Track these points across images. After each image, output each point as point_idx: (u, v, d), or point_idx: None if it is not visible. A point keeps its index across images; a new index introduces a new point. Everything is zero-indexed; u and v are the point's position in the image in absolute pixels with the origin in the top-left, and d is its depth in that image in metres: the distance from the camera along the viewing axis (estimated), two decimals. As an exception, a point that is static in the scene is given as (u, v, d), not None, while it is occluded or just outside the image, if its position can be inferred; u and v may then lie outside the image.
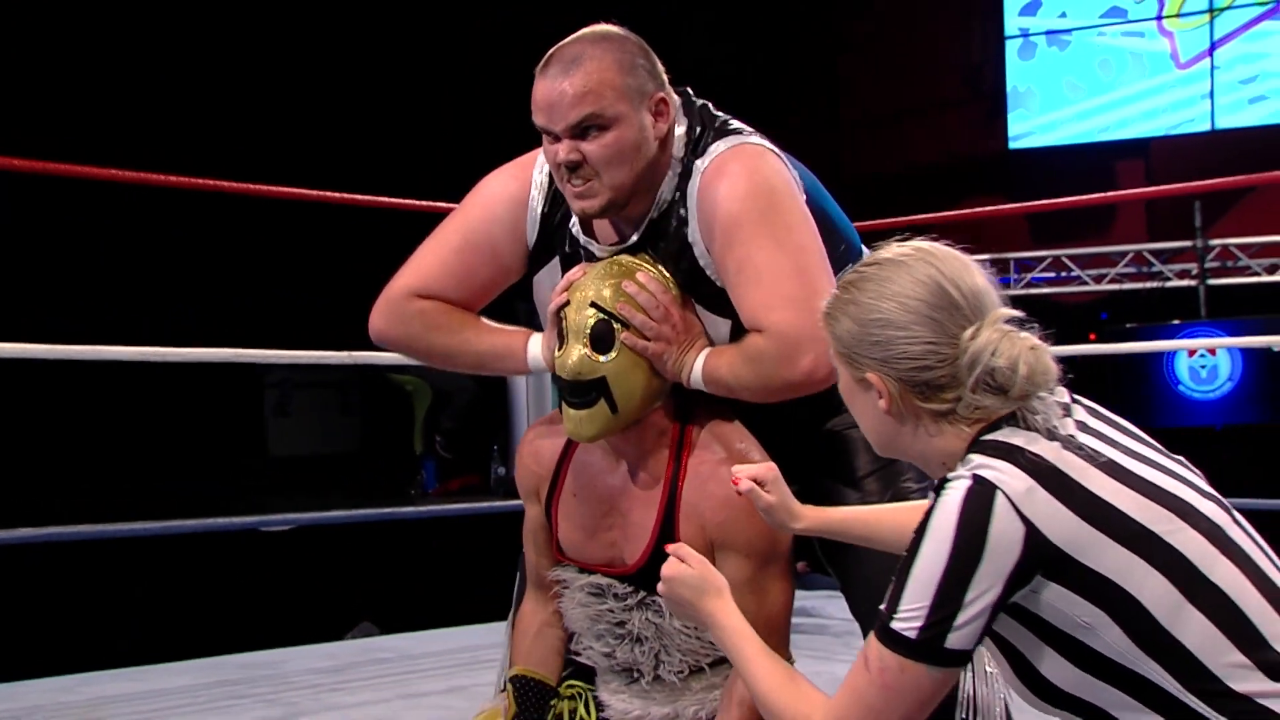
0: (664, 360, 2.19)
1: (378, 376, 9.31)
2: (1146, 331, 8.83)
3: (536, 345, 2.30)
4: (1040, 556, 1.47)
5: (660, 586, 1.90)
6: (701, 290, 2.23)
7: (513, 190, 2.34)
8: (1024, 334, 1.57)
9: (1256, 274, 9.13)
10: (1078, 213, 9.38)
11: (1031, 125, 10.11)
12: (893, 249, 1.65)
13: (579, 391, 2.18)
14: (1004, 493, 1.47)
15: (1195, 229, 9.03)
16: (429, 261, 2.37)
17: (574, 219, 2.28)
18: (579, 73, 2.12)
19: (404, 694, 3.81)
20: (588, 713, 2.39)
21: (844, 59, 10.97)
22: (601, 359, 2.18)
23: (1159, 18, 9.89)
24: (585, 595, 2.40)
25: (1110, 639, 1.49)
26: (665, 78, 2.22)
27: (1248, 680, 1.47)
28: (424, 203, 4.74)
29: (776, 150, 2.26)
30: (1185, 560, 1.48)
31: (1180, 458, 1.64)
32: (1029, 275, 9.72)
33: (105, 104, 8.37)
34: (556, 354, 2.21)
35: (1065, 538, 1.47)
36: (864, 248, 2.50)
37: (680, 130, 2.24)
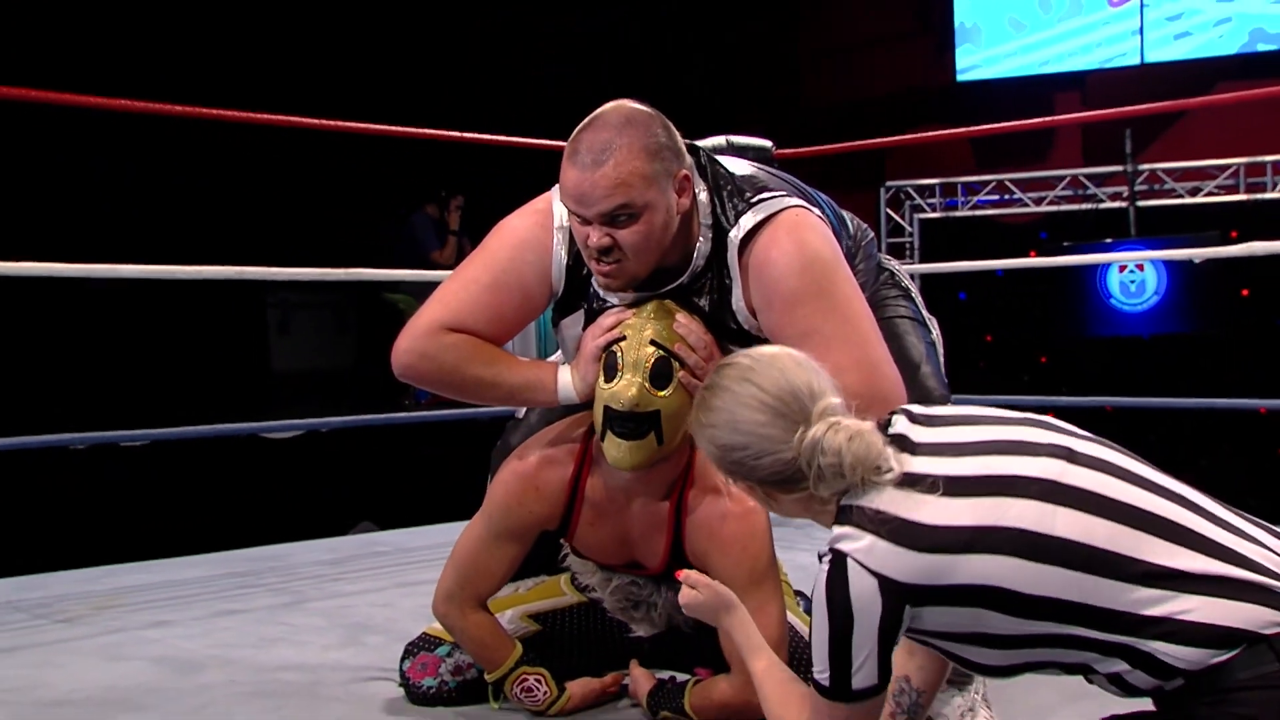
0: None
1: (372, 295, 9.26)
2: (1081, 249, 8.86)
3: (566, 377, 2.26)
4: (899, 595, 1.57)
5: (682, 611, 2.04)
6: (736, 338, 2.22)
7: (540, 237, 2.28)
8: (846, 422, 1.65)
9: (1181, 196, 9.15)
10: (1019, 139, 9.37)
11: (977, 59, 10.06)
12: (721, 374, 1.73)
13: (633, 423, 2.16)
14: (851, 558, 1.58)
15: (1126, 155, 9.04)
16: (460, 298, 2.28)
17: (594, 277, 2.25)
18: (609, 163, 2.06)
19: (400, 583, 3.83)
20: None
21: (803, -2, 10.88)
22: (659, 394, 2.17)
23: (1094, -41, 9.85)
24: (604, 578, 2.46)
25: (998, 624, 1.57)
26: (683, 147, 2.17)
27: (1126, 599, 1.52)
28: (412, 129, 4.68)
29: (806, 203, 2.24)
30: (1022, 532, 1.55)
31: (1030, 416, 1.72)
32: (975, 198, 9.72)
33: (109, 33, 8.25)
34: (605, 386, 2.18)
35: (911, 573, 1.56)
36: (849, 221, 2.50)
37: (702, 196, 2.21)
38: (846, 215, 2.55)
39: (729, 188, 2.23)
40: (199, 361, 8.79)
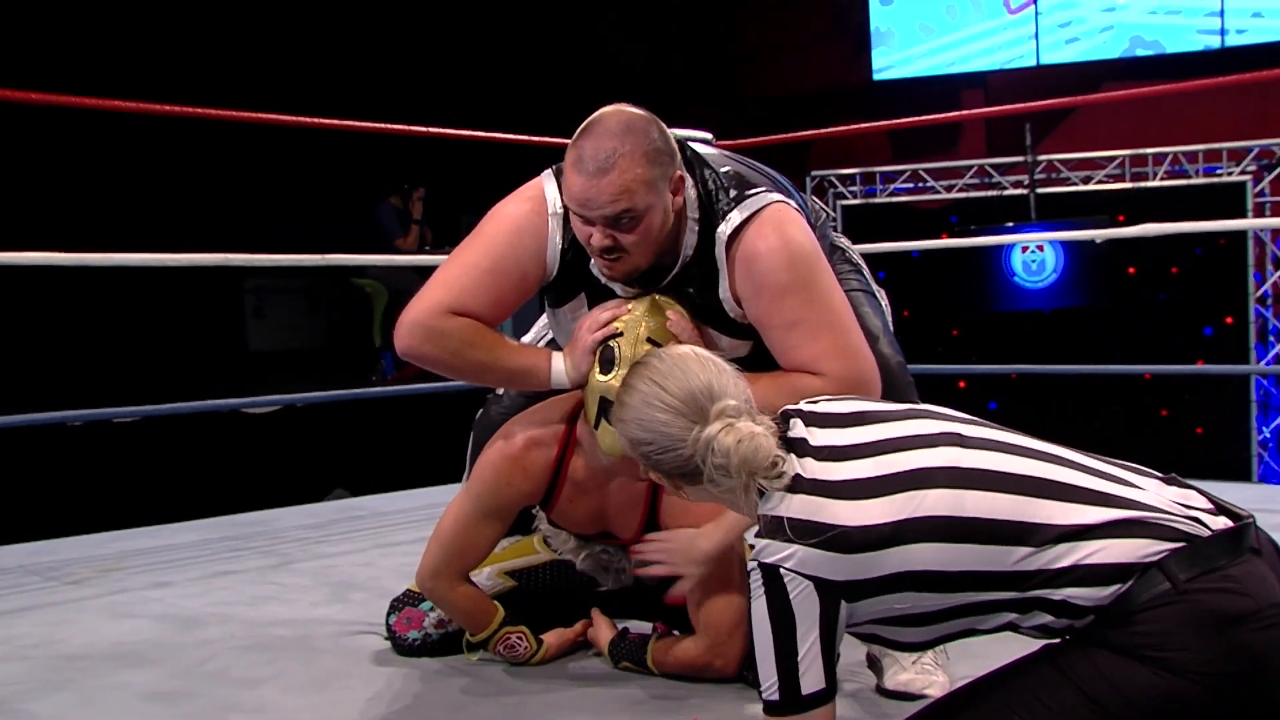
0: None
1: (342, 280, 9.20)
2: (987, 231, 8.96)
3: (560, 365, 2.23)
4: (834, 593, 1.58)
5: (663, 569, 2.12)
6: (722, 325, 2.22)
7: (536, 224, 2.24)
8: (740, 424, 1.64)
9: (1075, 184, 9.27)
10: (930, 133, 9.45)
11: (891, 60, 10.11)
12: (634, 374, 1.76)
13: None
14: (783, 568, 1.58)
15: (1026, 147, 9.14)
16: (461, 281, 2.22)
17: (592, 262, 2.22)
18: (614, 172, 2.04)
19: (379, 544, 3.85)
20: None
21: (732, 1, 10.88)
22: None
23: (995, -31, 9.94)
24: (578, 545, 2.47)
25: (926, 602, 1.59)
26: (675, 147, 2.15)
27: (1038, 560, 1.56)
28: (375, 124, 4.63)
29: (786, 199, 2.22)
30: (937, 519, 1.56)
31: (915, 407, 1.73)
32: (892, 185, 9.79)
33: (81, 29, 8.11)
34: (602, 378, 2.14)
35: (842, 572, 1.57)
36: (809, 204, 2.49)
37: (690, 192, 2.19)
38: (806, 199, 2.56)
39: (715, 183, 2.21)
40: (181, 343, 8.70)
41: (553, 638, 2.50)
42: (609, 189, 2.05)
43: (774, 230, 2.15)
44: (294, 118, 4.41)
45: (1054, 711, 1.54)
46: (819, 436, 1.68)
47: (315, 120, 4.45)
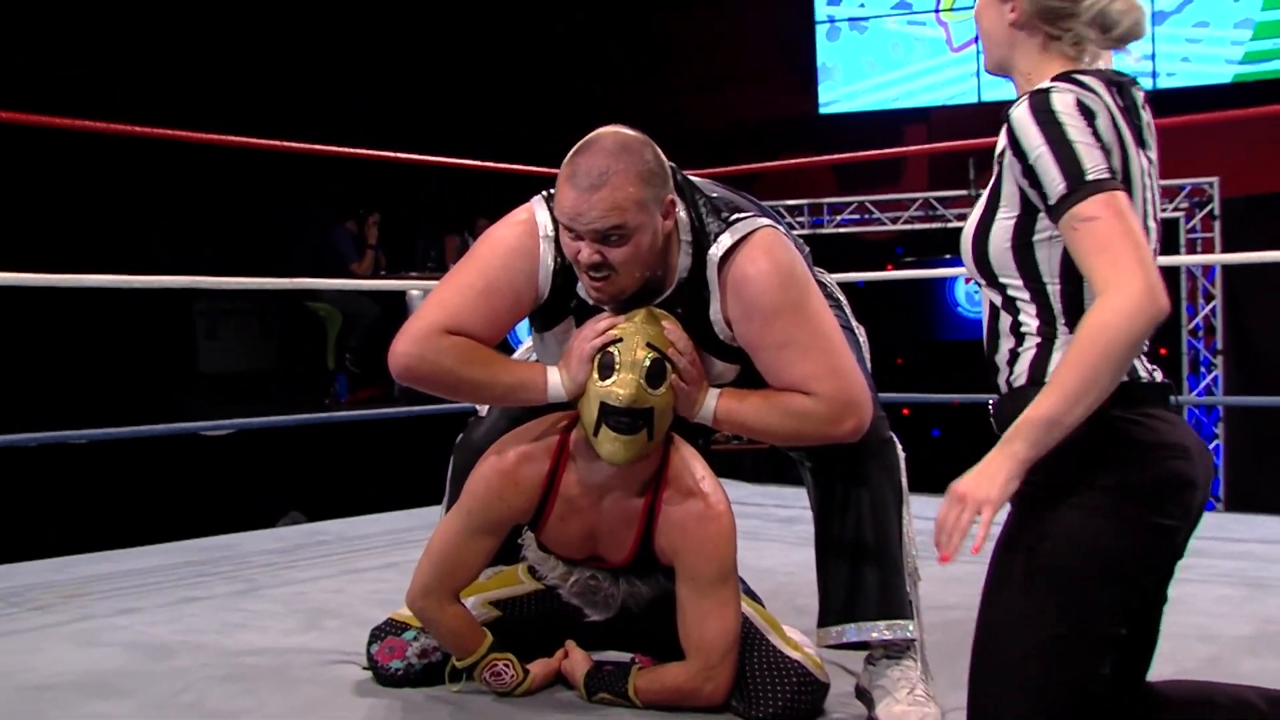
0: (689, 397, 2.15)
1: (295, 303, 9.04)
2: (932, 263, 9.00)
3: (555, 377, 2.18)
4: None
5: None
6: (712, 347, 2.20)
7: (528, 245, 2.21)
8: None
9: (1016, 217, 9.34)
10: (876, 166, 9.50)
11: (837, 94, 10.18)
12: None
13: (628, 418, 2.10)
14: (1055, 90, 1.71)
15: (969, 180, 9.19)
16: (455, 302, 2.19)
17: (581, 285, 2.20)
18: (606, 188, 2.03)
19: (347, 570, 3.74)
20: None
21: (675, 27, 10.87)
22: (654, 393, 2.11)
23: (937, 10, 9.99)
24: (565, 571, 2.38)
25: None
26: (669, 171, 2.14)
27: None
28: (331, 148, 4.52)
29: (774, 223, 2.21)
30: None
31: None
32: (839, 217, 9.81)
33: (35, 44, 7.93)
34: (601, 384, 2.11)
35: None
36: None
37: (681, 215, 2.17)
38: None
39: (707, 207, 2.20)
40: (132, 364, 8.50)
41: (538, 667, 2.41)
42: (600, 204, 2.03)
43: (764, 253, 2.15)
44: (250, 140, 4.31)
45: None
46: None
47: (272, 143, 4.34)
